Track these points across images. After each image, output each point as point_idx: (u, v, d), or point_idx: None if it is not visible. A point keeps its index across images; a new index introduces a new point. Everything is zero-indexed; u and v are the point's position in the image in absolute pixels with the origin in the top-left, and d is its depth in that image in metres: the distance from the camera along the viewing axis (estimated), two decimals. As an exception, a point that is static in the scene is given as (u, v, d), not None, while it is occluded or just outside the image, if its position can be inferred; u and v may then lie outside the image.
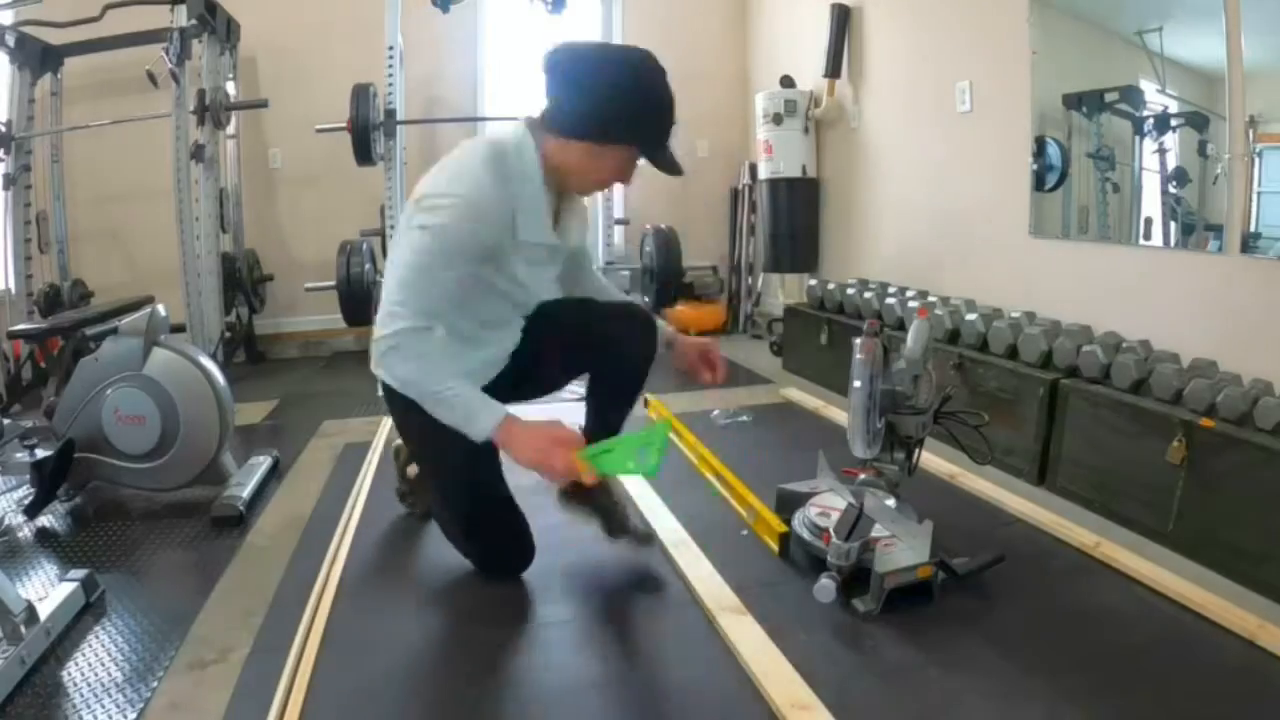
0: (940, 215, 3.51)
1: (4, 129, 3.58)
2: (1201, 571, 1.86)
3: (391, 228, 4.09)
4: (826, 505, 1.93)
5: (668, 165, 1.60)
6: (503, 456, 1.62)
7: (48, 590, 1.78)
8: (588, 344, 1.81)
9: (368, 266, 3.94)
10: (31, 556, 2.08)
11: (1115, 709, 1.39)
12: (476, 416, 1.52)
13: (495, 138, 1.64)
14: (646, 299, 4.50)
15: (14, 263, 3.64)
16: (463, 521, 1.86)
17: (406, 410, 1.60)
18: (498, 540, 1.85)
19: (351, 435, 3.02)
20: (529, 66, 4.76)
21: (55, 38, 3.73)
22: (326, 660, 1.56)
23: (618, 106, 1.55)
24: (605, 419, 1.86)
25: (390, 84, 3.97)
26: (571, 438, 1.54)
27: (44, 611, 1.62)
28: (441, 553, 1.94)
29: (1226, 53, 2.17)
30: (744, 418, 3.09)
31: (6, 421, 2.45)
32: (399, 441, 2.16)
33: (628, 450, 1.57)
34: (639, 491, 2.28)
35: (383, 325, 1.53)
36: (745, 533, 2.10)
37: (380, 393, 1.70)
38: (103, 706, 1.43)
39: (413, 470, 2.19)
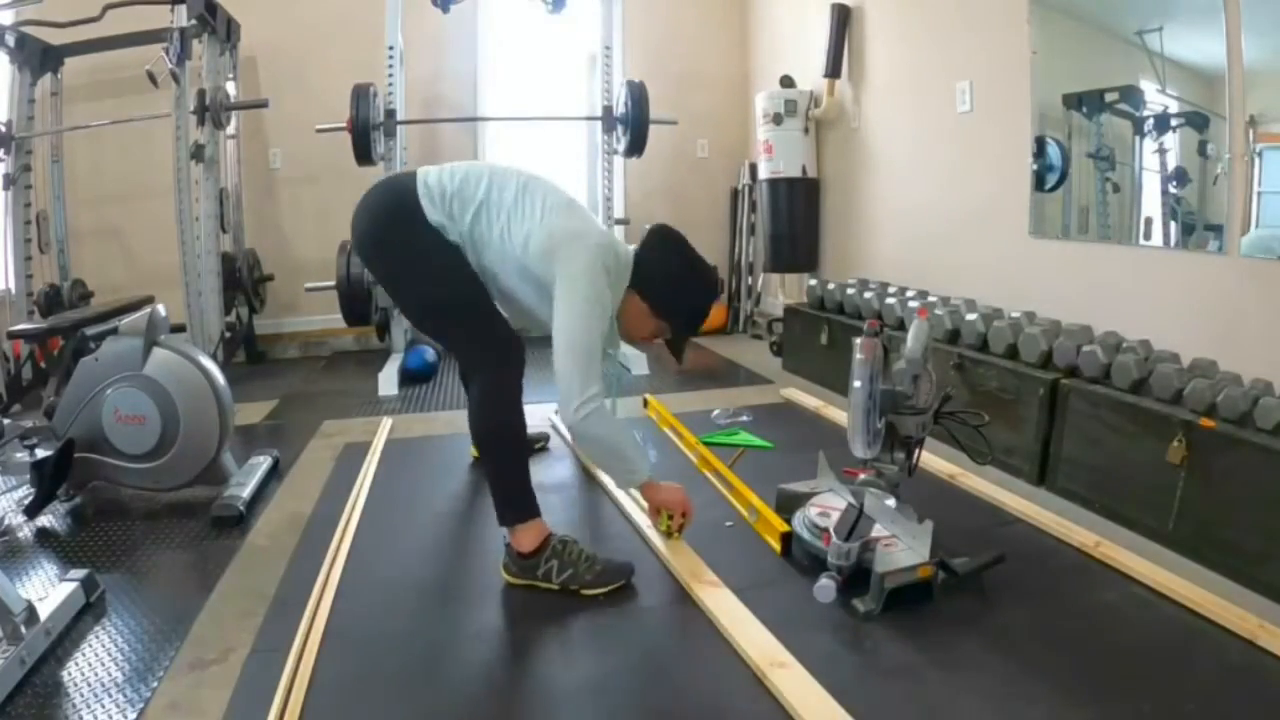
0: (940, 215, 3.51)
1: (4, 129, 3.58)
2: (1201, 571, 1.86)
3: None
4: (826, 505, 1.93)
5: (679, 350, 2.03)
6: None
7: (48, 590, 1.78)
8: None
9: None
10: (31, 556, 2.08)
11: (1115, 709, 1.39)
12: (643, 465, 1.87)
13: (608, 236, 1.93)
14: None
15: (14, 263, 3.64)
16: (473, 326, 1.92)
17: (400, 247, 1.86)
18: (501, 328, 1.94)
19: (351, 435, 3.02)
20: (529, 66, 4.81)
21: (55, 38, 3.72)
22: (326, 660, 1.56)
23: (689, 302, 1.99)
24: None
25: (390, 84, 3.97)
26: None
27: (44, 611, 1.62)
28: (441, 553, 1.93)
29: (1226, 53, 2.17)
30: (744, 417, 3.09)
31: (6, 421, 2.46)
32: None
33: None
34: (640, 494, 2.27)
35: (580, 392, 1.71)
36: (730, 524, 2.13)
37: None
38: (103, 706, 1.43)
39: None
